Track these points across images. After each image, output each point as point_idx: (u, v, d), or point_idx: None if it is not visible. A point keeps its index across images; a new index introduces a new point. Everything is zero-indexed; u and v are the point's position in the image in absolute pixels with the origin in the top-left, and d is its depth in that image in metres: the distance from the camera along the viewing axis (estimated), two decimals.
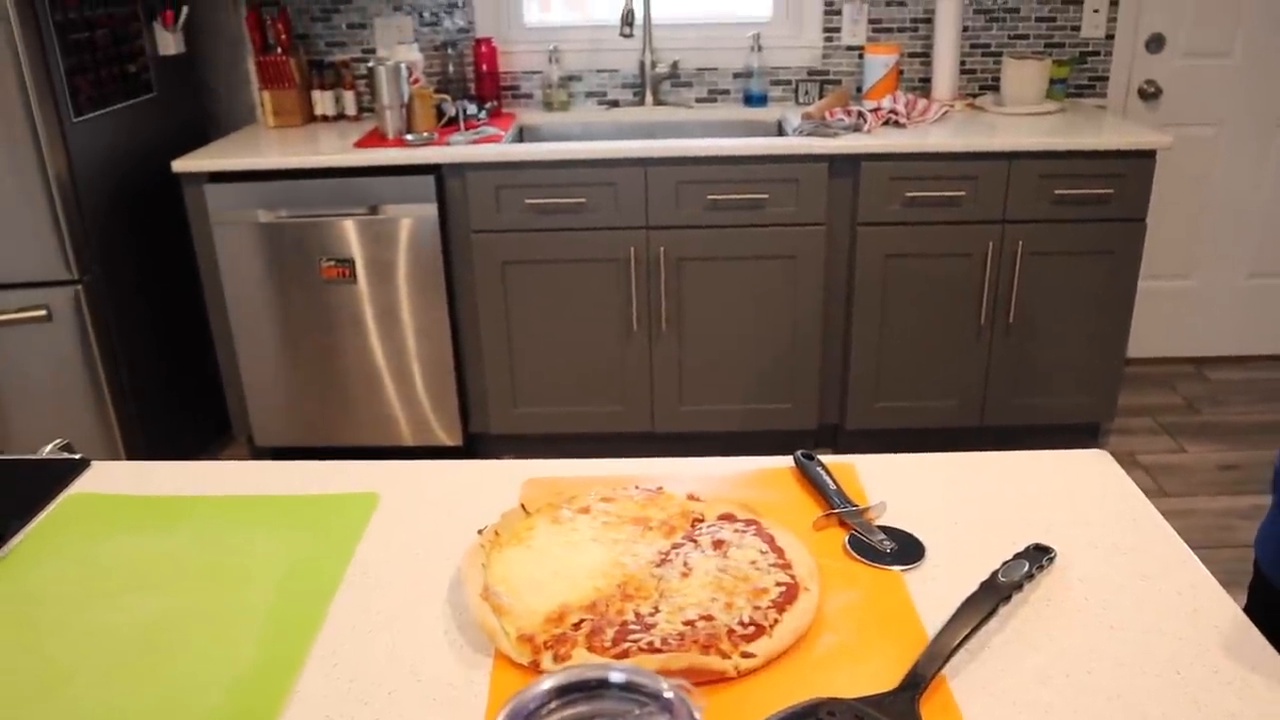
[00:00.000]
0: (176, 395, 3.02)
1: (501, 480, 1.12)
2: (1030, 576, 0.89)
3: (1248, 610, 0.91)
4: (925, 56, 3.25)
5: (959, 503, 1.05)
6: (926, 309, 2.84)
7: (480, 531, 0.96)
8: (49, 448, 1.20)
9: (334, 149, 2.77)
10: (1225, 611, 0.87)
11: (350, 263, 2.77)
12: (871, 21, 3.22)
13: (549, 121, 3.17)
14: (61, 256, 2.57)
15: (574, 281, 2.79)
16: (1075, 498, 1.06)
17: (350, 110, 3.21)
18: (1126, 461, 3.02)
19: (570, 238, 2.74)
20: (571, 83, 3.26)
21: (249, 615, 0.89)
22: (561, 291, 2.80)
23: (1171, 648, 0.83)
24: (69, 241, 2.56)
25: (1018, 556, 0.91)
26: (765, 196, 2.70)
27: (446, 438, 2.95)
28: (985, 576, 0.88)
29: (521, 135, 3.15)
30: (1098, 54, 3.29)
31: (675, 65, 3.22)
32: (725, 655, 0.80)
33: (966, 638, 0.81)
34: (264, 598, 0.91)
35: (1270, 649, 0.82)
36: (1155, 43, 3.30)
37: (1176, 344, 3.67)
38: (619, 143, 2.70)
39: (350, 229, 2.74)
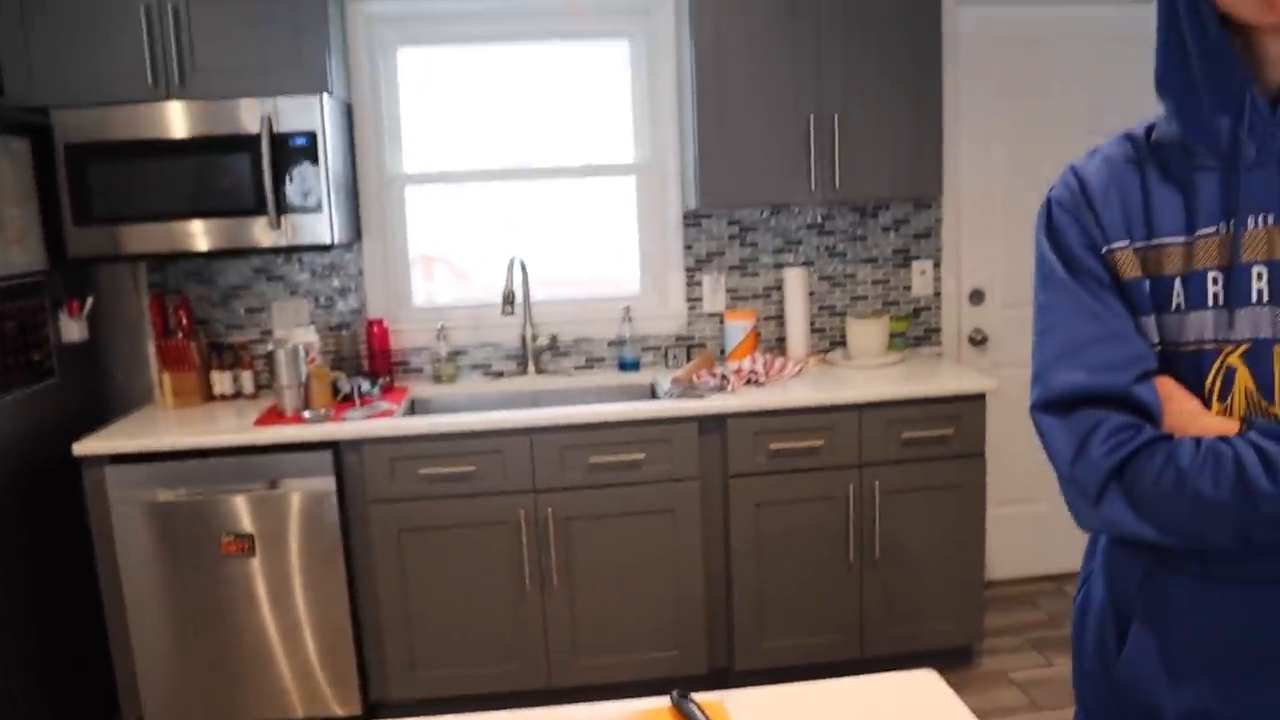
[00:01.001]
0: (62, 675, 2.99)
1: None
2: None
3: None
4: (780, 319, 3.62)
5: None
6: (799, 550, 3.06)
7: None
8: None
9: (234, 427, 2.92)
10: None
11: (249, 538, 2.87)
12: (729, 290, 3.60)
13: (439, 393, 3.39)
14: None
15: (468, 545, 2.93)
16: (909, 717, 1.24)
17: (248, 389, 3.38)
18: (999, 680, 3.21)
19: (463, 504, 2.91)
20: (458, 356, 3.51)
21: None
22: (457, 556, 2.94)
23: None
24: None
25: None
26: (642, 456, 2.94)
27: (342, 709, 2.98)
28: None
29: (413, 408, 3.35)
30: (929, 309, 3.72)
31: (554, 338, 3.52)
32: None
33: None
34: None
35: None
36: (976, 296, 3.75)
37: (1036, 564, 3.95)
38: (504, 413, 2.92)
39: (250, 504, 2.86)
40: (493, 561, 2.95)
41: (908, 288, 3.70)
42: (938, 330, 3.74)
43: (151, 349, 3.44)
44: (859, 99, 3.23)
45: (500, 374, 3.54)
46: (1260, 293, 0.99)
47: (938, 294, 3.72)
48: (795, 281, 3.48)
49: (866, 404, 3.02)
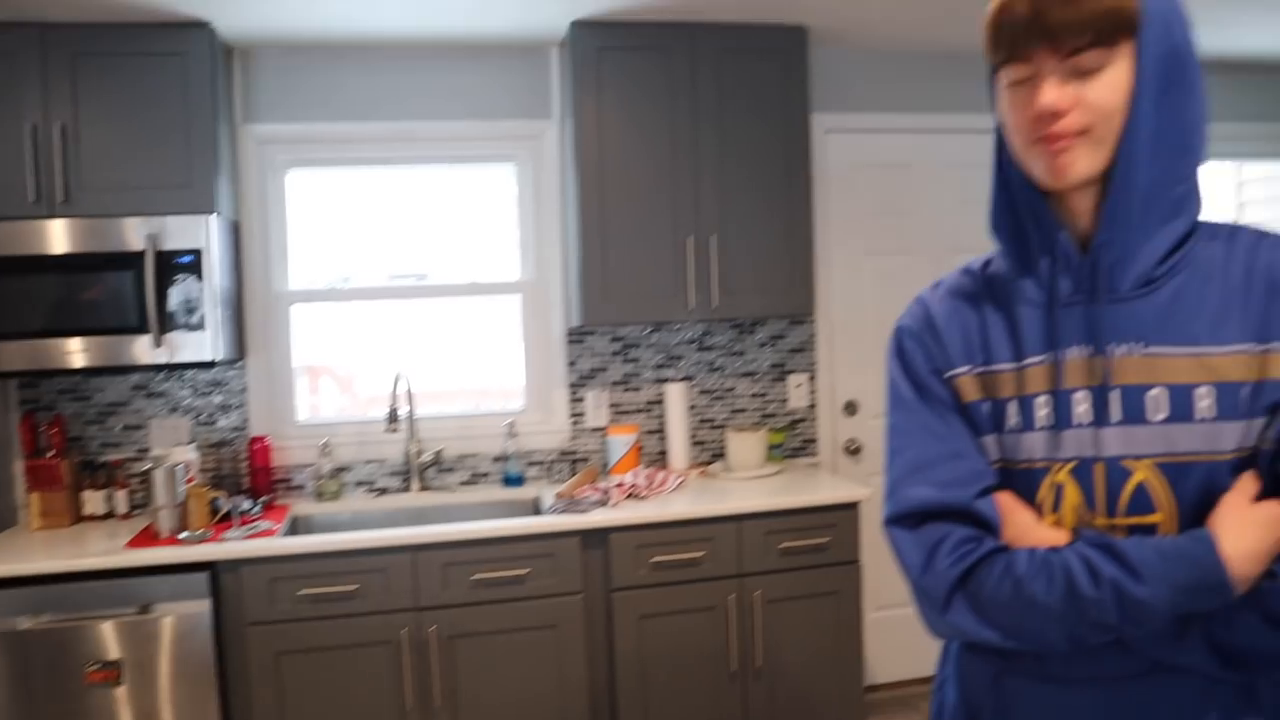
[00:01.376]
0: None
1: None
2: None
3: None
4: (661, 433, 3.72)
5: None
6: (683, 662, 3.09)
7: None
8: None
9: (104, 550, 2.84)
10: None
11: (117, 665, 2.78)
12: (612, 405, 3.68)
13: (321, 511, 3.37)
14: None
15: (348, 667, 2.89)
16: None
17: (121, 509, 3.29)
18: None
19: (344, 624, 2.88)
20: (342, 473, 3.50)
21: None
22: (336, 677, 2.88)
23: None
24: None
25: None
26: (526, 571, 2.96)
27: None
28: None
29: (295, 526, 3.32)
30: (805, 420, 3.87)
31: (439, 453, 3.54)
32: None
33: None
34: None
35: None
36: (850, 408, 3.92)
37: (915, 666, 4.04)
38: (387, 531, 2.92)
39: (119, 630, 2.77)
40: (374, 682, 2.91)
41: (784, 400, 3.84)
42: (814, 441, 3.88)
43: (19, 468, 3.34)
44: (735, 222, 3.40)
45: (384, 491, 3.53)
46: (1084, 415, 1.10)
47: (813, 406, 3.87)
48: (676, 396, 3.59)
49: (745, 515, 3.11)
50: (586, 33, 3.29)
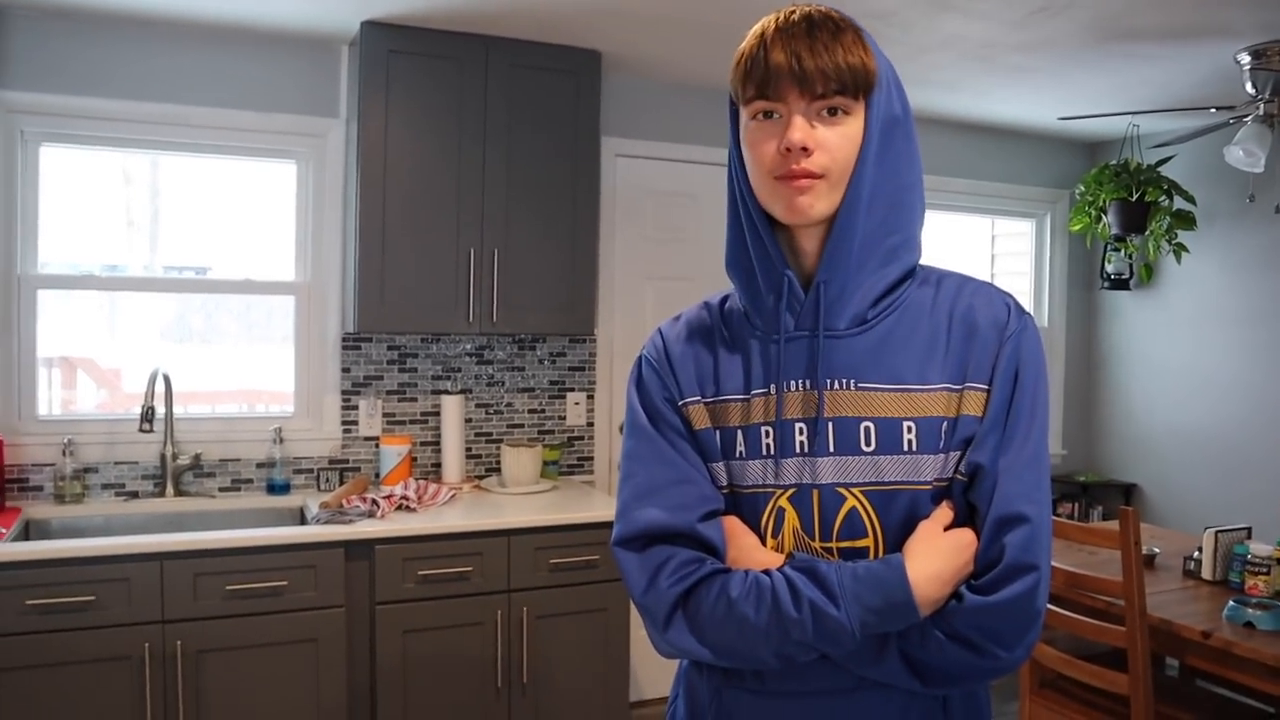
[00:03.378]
0: None
1: None
2: None
3: None
4: (436, 445, 3.67)
5: None
6: (448, 678, 3.05)
7: None
8: None
9: None
10: None
11: None
12: (386, 415, 3.60)
13: (60, 515, 3.12)
14: None
15: (82, 684, 2.67)
16: None
17: None
18: None
19: (78, 638, 2.66)
20: (87, 474, 3.25)
21: None
22: (67, 697, 2.65)
23: None
24: None
25: None
26: (284, 583, 2.84)
27: None
28: None
29: (28, 531, 3.06)
30: (582, 438, 3.91)
31: (197, 456, 3.34)
32: None
33: None
34: None
35: None
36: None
37: None
38: (129, 538, 2.74)
39: None
40: (111, 699, 2.70)
41: (562, 417, 3.87)
42: (590, 459, 3.93)
43: None
44: (520, 237, 3.41)
45: (135, 495, 3.31)
46: (802, 444, 1.18)
47: (590, 424, 3.92)
48: (452, 408, 3.55)
49: (516, 530, 3.11)
50: (377, 33, 3.23)
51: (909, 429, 1.15)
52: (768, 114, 1.15)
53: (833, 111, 1.13)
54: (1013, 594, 1.09)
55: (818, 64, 1.11)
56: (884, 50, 1.19)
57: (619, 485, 1.27)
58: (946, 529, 1.14)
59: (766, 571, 1.14)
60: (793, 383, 1.19)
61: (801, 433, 1.18)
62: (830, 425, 1.17)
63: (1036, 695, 3.07)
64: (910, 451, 1.15)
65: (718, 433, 1.23)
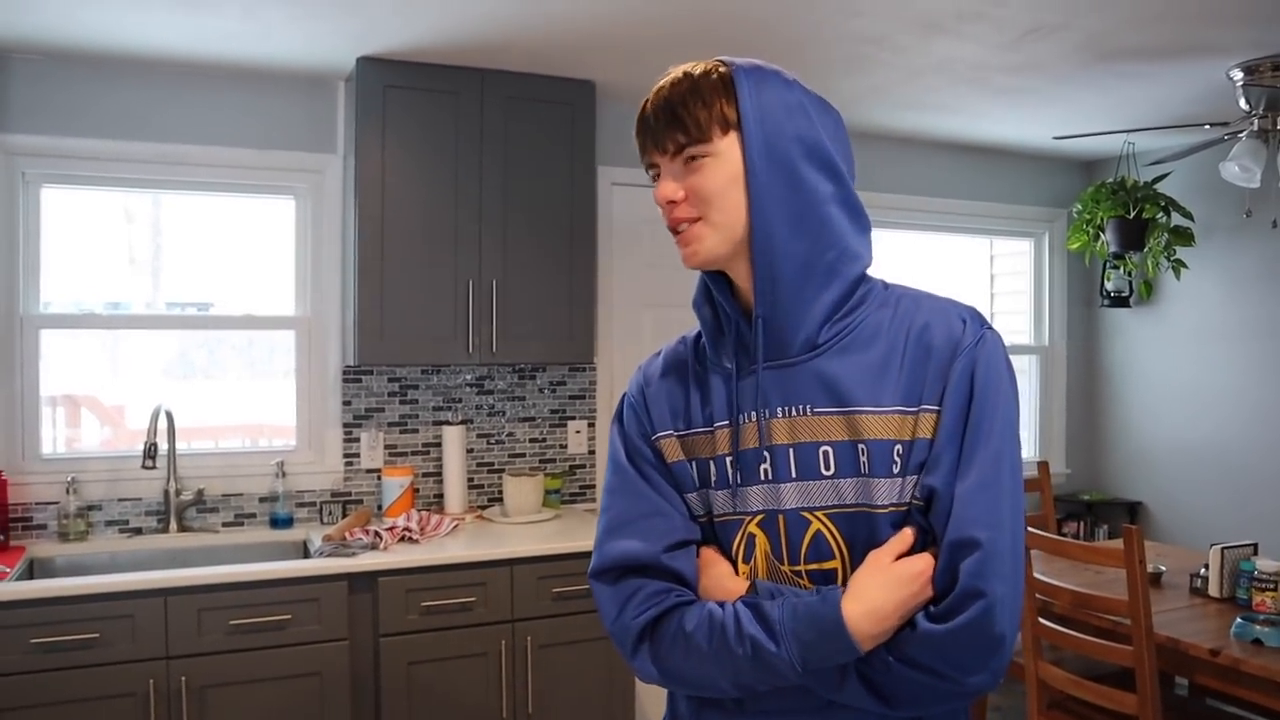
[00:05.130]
0: None
1: None
2: None
3: None
4: (438, 476, 3.67)
5: None
6: (453, 709, 3.04)
7: None
8: None
9: None
10: None
11: None
12: (388, 447, 3.61)
13: (65, 553, 3.12)
14: None
15: None
16: None
17: None
18: None
19: (83, 675, 2.66)
20: (91, 512, 3.26)
21: None
22: None
23: None
24: None
25: None
26: (288, 617, 2.84)
27: None
28: None
29: (32, 570, 3.06)
30: (584, 466, 3.91)
31: (200, 492, 3.35)
32: None
33: None
34: None
35: None
36: None
37: None
38: (135, 575, 2.74)
39: None
40: None
41: (564, 446, 3.88)
42: (592, 487, 3.92)
43: None
44: (518, 267, 3.43)
45: (139, 531, 3.31)
46: (766, 472, 1.20)
47: (592, 452, 3.92)
48: (454, 439, 3.56)
49: (519, 559, 3.11)
50: (373, 69, 3.26)
51: (862, 451, 1.15)
52: (652, 172, 1.22)
53: (691, 159, 1.17)
54: (964, 621, 1.07)
55: (665, 123, 1.18)
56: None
57: (599, 518, 1.30)
58: (905, 554, 1.13)
59: (721, 604, 1.17)
60: (747, 415, 1.21)
61: (765, 460, 1.20)
62: (791, 451, 1.18)
63: (1044, 716, 3.05)
64: (864, 474, 1.15)
65: (692, 464, 1.26)
